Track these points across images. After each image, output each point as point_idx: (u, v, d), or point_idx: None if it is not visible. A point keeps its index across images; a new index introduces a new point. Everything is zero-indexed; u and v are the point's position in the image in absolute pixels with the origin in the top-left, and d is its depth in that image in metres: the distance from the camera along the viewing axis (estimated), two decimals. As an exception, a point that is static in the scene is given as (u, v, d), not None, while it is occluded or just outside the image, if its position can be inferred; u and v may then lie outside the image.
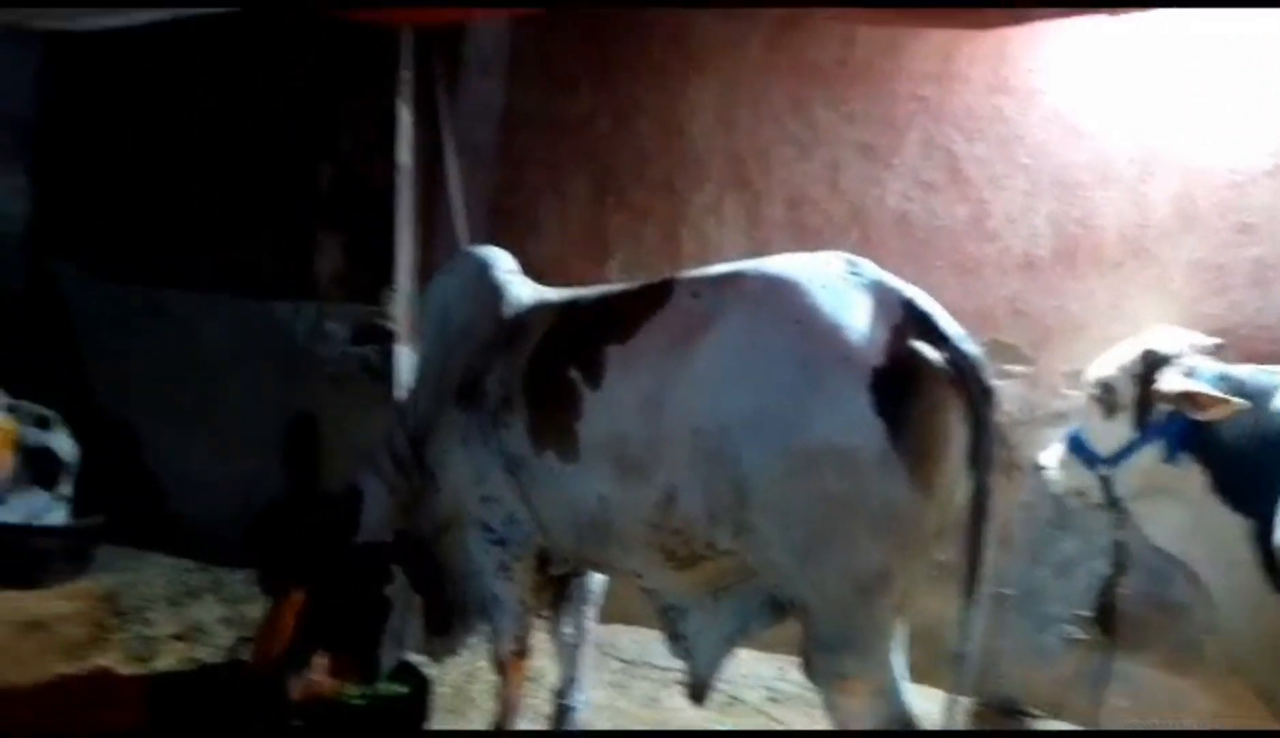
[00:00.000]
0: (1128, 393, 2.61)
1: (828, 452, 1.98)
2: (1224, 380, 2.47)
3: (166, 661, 3.74)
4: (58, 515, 4.37)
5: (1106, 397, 2.65)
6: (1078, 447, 2.77)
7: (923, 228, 3.59)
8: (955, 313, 2.13)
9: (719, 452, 2.13)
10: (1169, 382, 2.51)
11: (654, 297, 2.40)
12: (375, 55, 4.20)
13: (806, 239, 3.67)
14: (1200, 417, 2.42)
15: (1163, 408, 2.52)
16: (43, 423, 4.27)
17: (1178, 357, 2.57)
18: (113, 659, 3.72)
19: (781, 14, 3.56)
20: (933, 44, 3.55)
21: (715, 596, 2.48)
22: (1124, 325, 3.06)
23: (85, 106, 5.06)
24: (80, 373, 5.04)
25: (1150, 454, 2.56)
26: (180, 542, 4.81)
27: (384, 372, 4.45)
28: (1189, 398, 2.43)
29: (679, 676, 2.87)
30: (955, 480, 2.05)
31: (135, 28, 4.08)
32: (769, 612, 2.42)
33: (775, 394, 2.07)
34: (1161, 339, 2.65)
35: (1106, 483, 2.69)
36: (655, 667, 3.75)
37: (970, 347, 2.06)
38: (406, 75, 4.25)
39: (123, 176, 4.96)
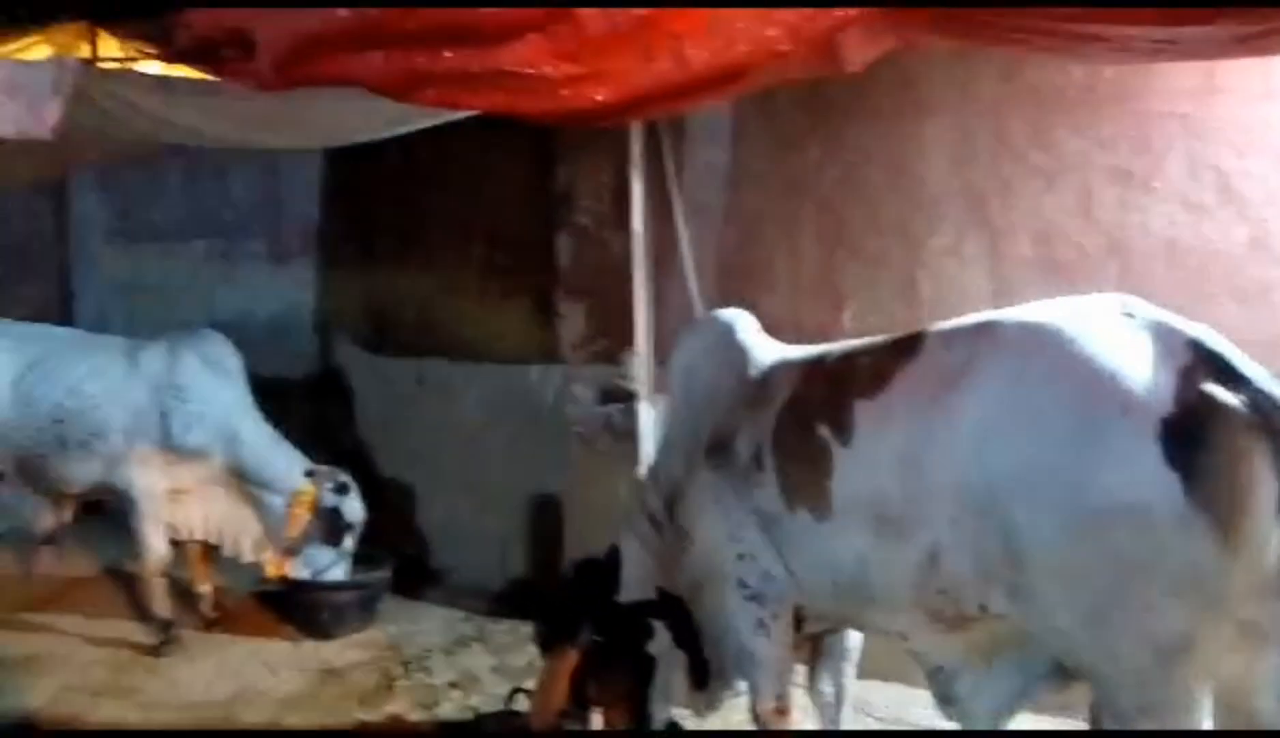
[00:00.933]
0: None
1: (1115, 510, 1.86)
2: None
3: (447, 708, 4.04)
4: (341, 572, 4.78)
5: None
6: None
7: (1194, 254, 3.31)
8: (1242, 346, 1.96)
9: (987, 510, 2.06)
10: None
11: (904, 350, 2.37)
12: (607, 131, 4.45)
13: (1058, 276, 3.48)
14: None
15: None
16: (341, 488, 4.70)
17: None
18: (402, 706, 4.07)
19: (1026, 42, 3.45)
20: (1190, 56, 3.30)
21: (990, 658, 2.36)
22: None
23: (358, 203, 5.69)
24: (361, 438, 5.60)
25: None
26: (449, 593, 5.19)
27: (627, 430, 4.64)
28: None
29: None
30: (1265, 533, 1.87)
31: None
32: (1053, 676, 2.26)
33: (1047, 449, 1.98)
34: None
35: None
36: (914, 726, 3.61)
37: (1274, 385, 1.88)
38: (637, 147, 4.48)
39: (390, 261, 5.52)
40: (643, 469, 4.55)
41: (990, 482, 2.04)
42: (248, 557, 4.81)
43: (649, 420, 4.62)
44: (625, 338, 4.58)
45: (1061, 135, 3.56)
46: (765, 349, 2.91)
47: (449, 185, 5.16)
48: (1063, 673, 2.24)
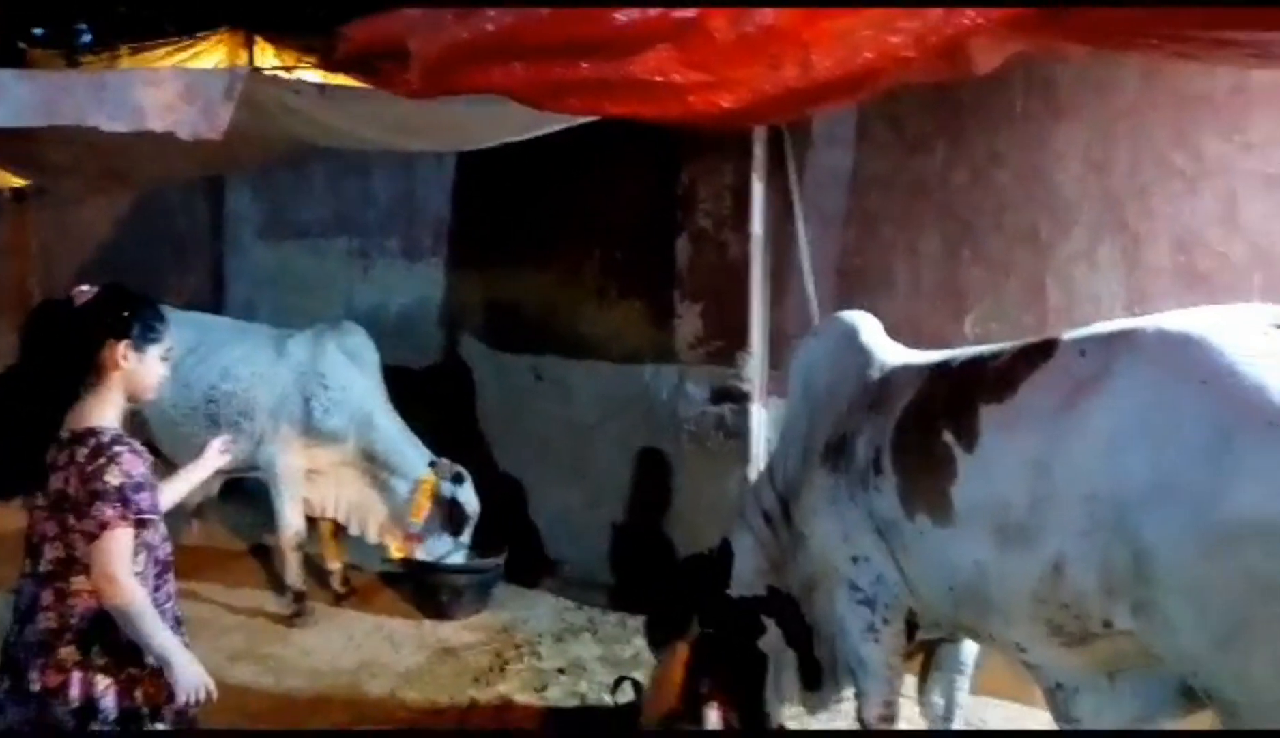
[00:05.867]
0: None
1: (1254, 527, 1.79)
2: None
3: (555, 692, 4.17)
4: (458, 560, 4.96)
5: None
6: None
7: (1352, 266, 3.13)
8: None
9: (1116, 522, 2.01)
10: None
11: (1035, 355, 2.32)
12: (730, 134, 4.48)
13: (1198, 285, 3.33)
14: None
15: None
16: (458, 479, 4.89)
17: None
18: (512, 687, 4.22)
19: (1160, 47, 3.32)
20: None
21: (1112, 676, 2.30)
22: None
23: (486, 204, 5.89)
24: (481, 429, 5.81)
25: None
26: (561, 583, 5.33)
27: (738, 430, 4.68)
28: None
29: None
30: None
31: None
32: (1179, 700, 2.19)
33: (1183, 461, 1.92)
34: None
35: None
36: (1031, 747, 3.52)
37: None
38: (760, 150, 4.50)
39: (513, 260, 5.70)
40: (752, 469, 4.58)
41: (1121, 494, 1.99)
42: (372, 538, 5.07)
43: (760, 421, 4.64)
44: (740, 339, 4.62)
45: (1206, 139, 3.41)
46: (888, 352, 2.89)
47: (572, 186, 5.29)
48: (1191, 697, 2.16)
